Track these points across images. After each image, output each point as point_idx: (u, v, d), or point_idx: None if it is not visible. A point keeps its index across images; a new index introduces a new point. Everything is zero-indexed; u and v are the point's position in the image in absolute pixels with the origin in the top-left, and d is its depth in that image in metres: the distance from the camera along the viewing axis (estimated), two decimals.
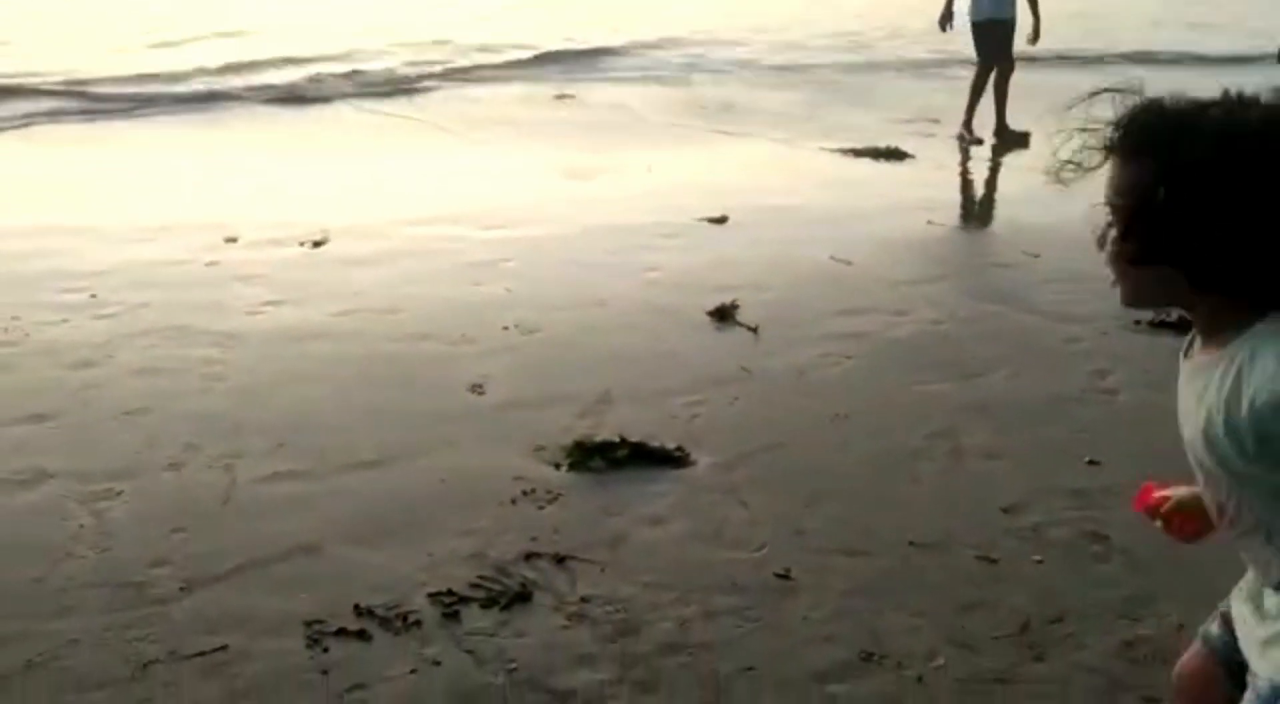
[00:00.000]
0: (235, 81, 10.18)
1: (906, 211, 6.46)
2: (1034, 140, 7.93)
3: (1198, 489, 1.54)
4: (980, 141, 8.50)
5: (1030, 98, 7.77)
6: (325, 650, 2.53)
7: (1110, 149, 1.37)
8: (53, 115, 8.89)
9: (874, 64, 12.50)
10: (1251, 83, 1.43)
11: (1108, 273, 1.45)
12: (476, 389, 3.96)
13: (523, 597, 2.73)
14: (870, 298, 4.96)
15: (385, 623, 2.62)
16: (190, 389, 3.94)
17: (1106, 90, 1.38)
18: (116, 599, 2.70)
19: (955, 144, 8.50)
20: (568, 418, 3.72)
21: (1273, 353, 1.31)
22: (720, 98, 10.47)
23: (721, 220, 6.14)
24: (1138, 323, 4.59)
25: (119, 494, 3.19)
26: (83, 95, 9.44)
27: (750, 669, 2.49)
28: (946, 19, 8.56)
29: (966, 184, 7.76)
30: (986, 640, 2.61)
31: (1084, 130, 1.39)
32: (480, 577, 2.81)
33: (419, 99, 10.28)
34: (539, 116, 9.57)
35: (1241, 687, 1.51)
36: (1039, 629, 2.65)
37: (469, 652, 2.53)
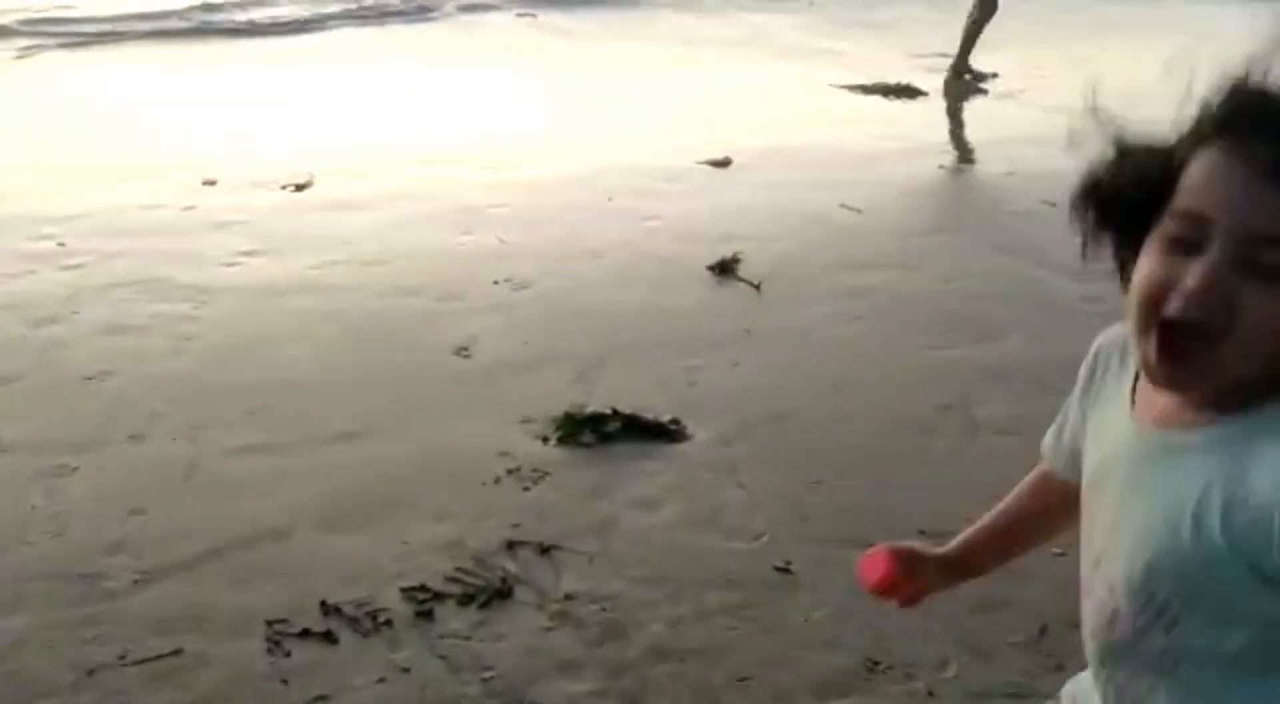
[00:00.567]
0: (218, 12, 9.73)
1: (919, 154, 6.16)
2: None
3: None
4: (995, 75, 8.11)
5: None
6: (287, 655, 2.35)
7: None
8: (23, 48, 8.51)
9: None
10: None
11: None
12: (463, 352, 3.74)
13: (502, 593, 2.54)
14: (880, 250, 4.70)
15: (354, 623, 2.44)
16: (159, 350, 3.72)
17: None
18: (67, 593, 2.51)
19: (970, 82, 8.13)
20: (558, 384, 3.50)
21: None
22: (725, 27, 10.06)
23: (725, 163, 5.85)
24: None
25: (75, 470, 2.99)
26: (55, 24, 9.02)
27: (745, 679, 2.31)
28: None
29: (981, 125, 7.42)
30: (1001, 646, 2.43)
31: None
32: (458, 569, 2.61)
33: (418, 26, 9.86)
34: (540, 44, 9.18)
35: None
36: (1058, 633, 2.46)
37: (442, 657, 2.34)
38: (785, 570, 2.65)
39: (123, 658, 2.33)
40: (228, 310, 4.01)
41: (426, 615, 2.47)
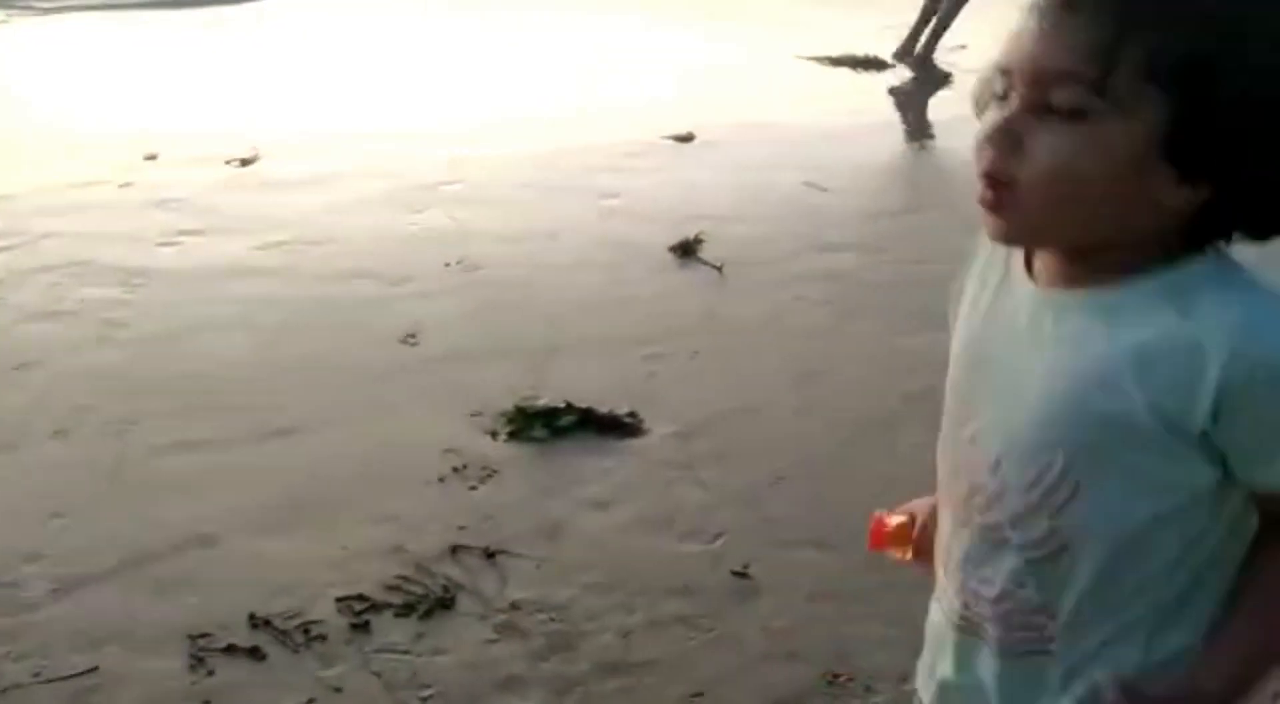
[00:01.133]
0: None
1: (887, 129, 6.04)
2: None
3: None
4: (963, 47, 7.95)
5: None
6: (210, 674, 2.19)
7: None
8: None
9: None
10: None
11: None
12: (410, 339, 3.57)
13: (445, 602, 2.39)
14: (847, 231, 4.56)
15: (283, 637, 2.29)
16: (90, 338, 3.53)
17: None
18: None
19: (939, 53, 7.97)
20: (509, 375, 3.35)
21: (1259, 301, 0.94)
22: None
23: (688, 138, 5.69)
24: None
25: None
26: None
27: (699, 695, 2.19)
28: None
29: (949, 98, 7.28)
30: None
31: None
32: (398, 577, 2.46)
33: None
34: (497, 12, 8.93)
35: None
36: None
37: (377, 674, 2.20)
38: (744, 575, 2.53)
39: (37, 675, 2.17)
40: (162, 295, 3.83)
41: (362, 628, 2.32)
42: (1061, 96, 0.90)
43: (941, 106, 7.07)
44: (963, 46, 7.91)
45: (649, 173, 5.26)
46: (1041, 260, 1.02)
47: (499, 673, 2.22)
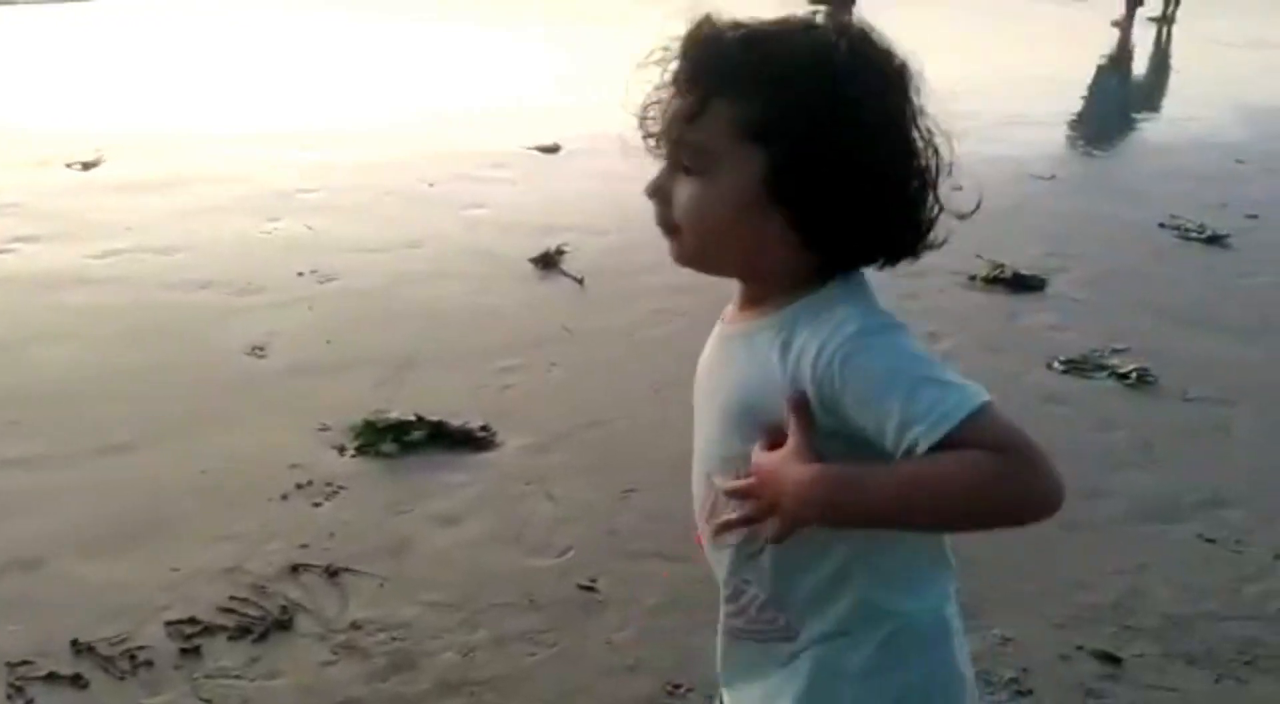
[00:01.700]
0: None
1: None
2: None
3: None
4: None
5: None
6: (30, 703, 2.09)
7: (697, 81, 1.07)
8: None
9: None
10: None
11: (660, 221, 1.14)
12: (257, 351, 3.48)
13: (282, 624, 2.33)
14: None
15: (108, 663, 2.19)
16: None
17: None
18: None
19: None
20: (361, 388, 3.29)
21: (841, 308, 1.08)
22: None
23: (554, 149, 5.70)
24: (972, 279, 4.42)
25: None
26: None
27: None
28: None
29: None
30: None
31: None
32: (233, 598, 2.39)
33: None
34: (364, 12, 8.80)
35: None
36: None
37: (206, 701, 2.12)
38: (590, 588, 2.53)
39: None
40: None
41: (193, 652, 2.24)
42: (687, 157, 1.08)
43: None
44: None
45: (514, 182, 5.25)
46: (732, 305, 1.20)
47: (336, 695, 2.17)
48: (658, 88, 1.10)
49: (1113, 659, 2.36)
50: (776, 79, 1.04)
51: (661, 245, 1.15)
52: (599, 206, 4.93)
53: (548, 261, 4.32)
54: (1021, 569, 2.63)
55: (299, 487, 2.80)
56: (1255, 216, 5.48)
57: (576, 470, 2.99)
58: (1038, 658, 2.35)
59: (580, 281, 4.19)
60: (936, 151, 1.08)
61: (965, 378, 1.06)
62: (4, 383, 3.19)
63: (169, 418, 3.08)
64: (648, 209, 1.13)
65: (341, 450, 2.97)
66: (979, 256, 4.44)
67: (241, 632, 2.30)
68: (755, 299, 1.15)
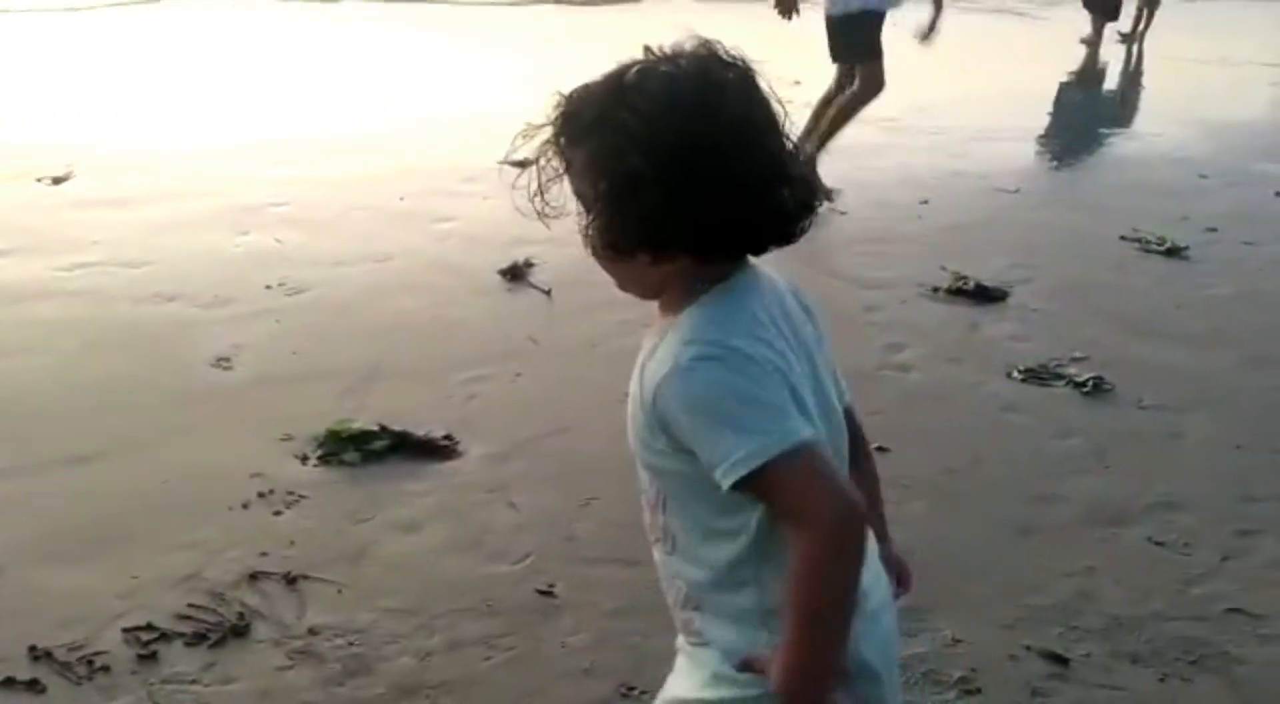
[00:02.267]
0: None
1: None
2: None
3: None
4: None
5: None
6: None
7: (561, 145, 1.24)
8: None
9: None
10: None
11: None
12: (223, 363, 3.50)
13: (239, 630, 2.35)
14: None
15: (65, 669, 2.21)
16: None
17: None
18: None
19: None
20: (326, 399, 3.31)
21: (681, 330, 1.20)
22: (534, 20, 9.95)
23: (522, 164, 5.72)
24: (936, 290, 4.47)
25: None
26: None
27: None
28: (791, 7, 5.74)
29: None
30: None
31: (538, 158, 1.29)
32: (191, 605, 2.41)
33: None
34: (340, 29, 8.83)
35: None
36: None
37: None
38: (548, 593, 2.56)
39: None
40: None
41: (150, 658, 2.26)
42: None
43: None
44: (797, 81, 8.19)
45: (486, 196, 5.26)
46: None
47: (292, 700, 2.19)
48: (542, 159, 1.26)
49: (1060, 659, 2.41)
50: (586, 127, 1.19)
51: None
52: (568, 220, 4.96)
53: (516, 274, 4.36)
54: (973, 571, 2.68)
55: (260, 495, 2.82)
56: (1214, 230, 5.57)
57: (538, 479, 3.02)
58: (986, 658, 2.39)
59: (548, 293, 4.23)
60: (770, 154, 1.18)
61: (779, 416, 1.14)
62: None
63: (132, 429, 3.09)
64: None
65: (304, 460, 3.00)
66: (943, 268, 4.50)
67: (198, 638, 2.32)
68: (663, 305, 1.29)
